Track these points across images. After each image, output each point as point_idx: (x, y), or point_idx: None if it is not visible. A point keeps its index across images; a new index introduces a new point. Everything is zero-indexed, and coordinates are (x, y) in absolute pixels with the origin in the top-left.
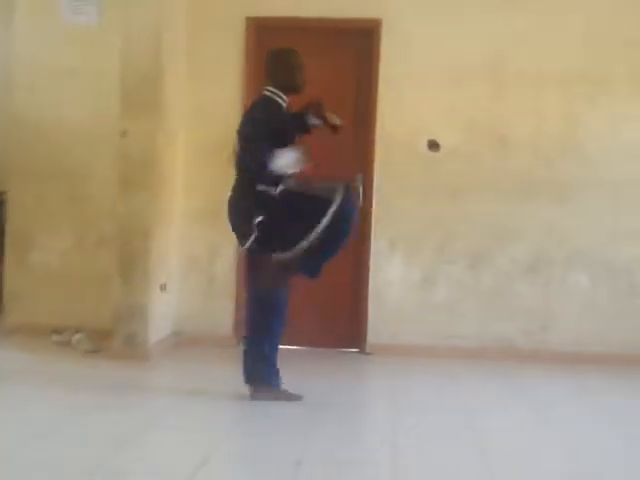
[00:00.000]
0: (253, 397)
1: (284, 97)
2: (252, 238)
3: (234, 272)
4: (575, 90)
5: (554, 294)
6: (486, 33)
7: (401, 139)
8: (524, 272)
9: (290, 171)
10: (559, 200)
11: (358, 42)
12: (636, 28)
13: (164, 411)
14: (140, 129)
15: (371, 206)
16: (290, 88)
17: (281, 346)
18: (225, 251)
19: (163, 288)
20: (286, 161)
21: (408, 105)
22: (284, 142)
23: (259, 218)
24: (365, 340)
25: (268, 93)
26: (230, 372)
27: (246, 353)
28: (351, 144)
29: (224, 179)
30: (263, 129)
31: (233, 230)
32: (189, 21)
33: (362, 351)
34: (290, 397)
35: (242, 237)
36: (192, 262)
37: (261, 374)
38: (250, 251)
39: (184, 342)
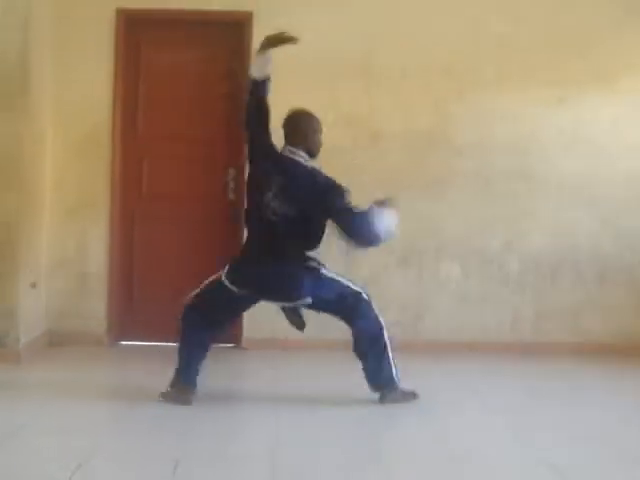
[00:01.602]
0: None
1: None
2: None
3: (107, 269)
4: (444, 86)
5: (427, 284)
6: (357, 28)
7: (274, 131)
8: (397, 263)
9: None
10: (430, 192)
11: (229, 35)
12: (504, 25)
13: (37, 414)
14: (5, 127)
15: (243, 202)
16: (314, 156)
17: (155, 343)
18: (97, 248)
19: (33, 286)
20: (390, 223)
21: (279, 99)
22: None
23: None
24: (241, 335)
25: (305, 161)
26: (105, 371)
27: None
28: (224, 138)
29: (95, 175)
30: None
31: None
32: (56, 14)
33: (238, 346)
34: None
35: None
36: (63, 260)
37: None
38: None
39: (57, 342)
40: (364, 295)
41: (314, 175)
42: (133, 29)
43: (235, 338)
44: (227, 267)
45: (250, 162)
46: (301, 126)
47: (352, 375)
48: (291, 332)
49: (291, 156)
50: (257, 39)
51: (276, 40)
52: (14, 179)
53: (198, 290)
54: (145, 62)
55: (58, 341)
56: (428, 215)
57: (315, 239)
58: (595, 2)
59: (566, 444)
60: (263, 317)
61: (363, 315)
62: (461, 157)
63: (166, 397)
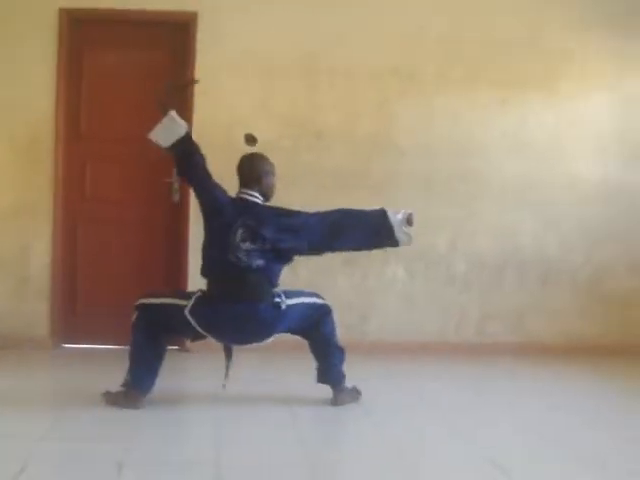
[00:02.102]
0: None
1: None
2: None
3: (49, 272)
4: (388, 86)
5: (372, 286)
6: (300, 28)
7: (217, 134)
8: (342, 265)
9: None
10: (374, 193)
11: (174, 35)
12: (448, 26)
13: None
14: None
15: (189, 203)
16: (268, 199)
17: (99, 346)
18: (39, 251)
19: None
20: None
21: (224, 100)
22: None
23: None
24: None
25: (262, 202)
26: (47, 375)
27: None
28: None
29: (37, 177)
30: None
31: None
32: None
33: (182, 349)
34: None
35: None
36: (4, 262)
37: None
38: None
39: None
40: (328, 305)
41: (275, 209)
42: (76, 29)
43: (179, 341)
44: (192, 303)
45: (207, 217)
46: (255, 169)
47: (296, 376)
48: None
49: (249, 198)
50: (201, 39)
51: (176, 88)
52: None
53: (155, 300)
54: (88, 62)
55: None
56: None
57: (280, 273)
58: (541, 4)
59: (510, 442)
60: None
61: (326, 323)
62: (405, 158)
63: (111, 399)
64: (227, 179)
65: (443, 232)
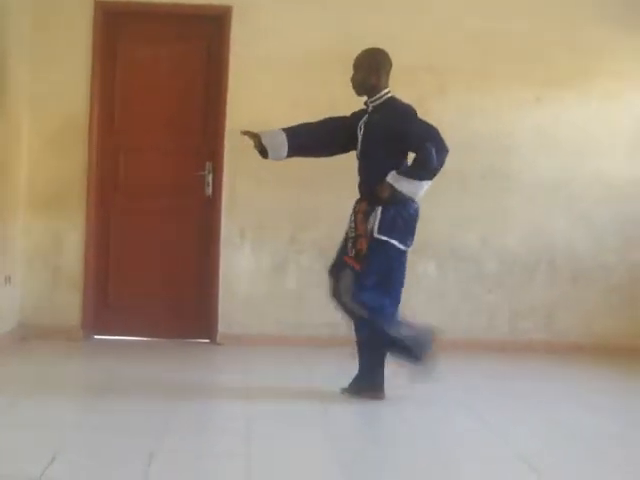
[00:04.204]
0: None
1: None
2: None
3: (81, 263)
4: (422, 83)
5: None
6: (336, 24)
7: (251, 128)
8: None
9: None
10: None
11: (208, 29)
12: (480, 23)
13: (8, 409)
14: None
15: (221, 196)
16: None
17: (130, 337)
18: (71, 241)
19: (7, 281)
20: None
21: (259, 95)
22: None
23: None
24: (216, 330)
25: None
26: (78, 366)
27: None
28: (200, 134)
29: (71, 168)
30: None
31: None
32: (34, 7)
33: (213, 341)
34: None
35: None
36: (37, 253)
37: None
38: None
39: (30, 335)
40: None
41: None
42: (111, 22)
43: (210, 334)
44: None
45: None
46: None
47: (325, 371)
48: (265, 328)
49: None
50: (236, 34)
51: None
52: None
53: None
54: (123, 55)
55: (32, 335)
56: None
57: None
58: (576, 2)
59: (540, 440)
60: (238, 313)
61: None
62: None
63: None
64: (260, 175)
65: (475, 229)
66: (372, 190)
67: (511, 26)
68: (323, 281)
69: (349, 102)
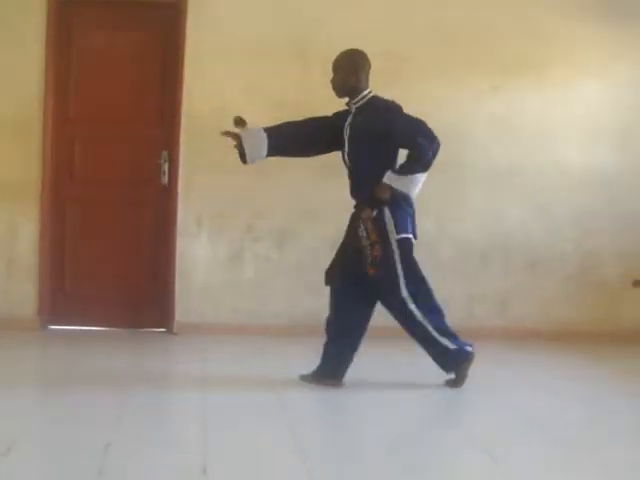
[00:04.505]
0: None
1: None
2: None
3: (36, 253)
4: (377, 70)
5: None
6: (291, 11)
7: (207, 116)
8: (331, 248)
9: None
10: None
11: (164, 16)
12: (437, 10)
13: None
14: None
15: (177, 185)
16: None
17: (86, 327)
18: (26, 231)
19: None
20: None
21: (214, 82)
22: None
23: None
24: (173, 320)
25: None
26: (32, 356)
27: None
28: (156, 122)
29: (25, 158)
30: None
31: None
32: None
33: (170, 331)
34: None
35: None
36: None
37: None
38: None
39: None
40: None
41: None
42: (66, 9)
43: (166, 323)
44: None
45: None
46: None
47: (282, 360)
48: (222, 317)
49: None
50: (191, 22)
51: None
52: None
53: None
54: (78, 43)
55: None
56: None
57: None
58: None
59: (495, 426)
60: (195, 302)
61: None
62: None
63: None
64: (217, 163)
65: (430, 216)
66: (371, 193)
67: (467, 14)
68: (280, 269)
69: (303, 87)
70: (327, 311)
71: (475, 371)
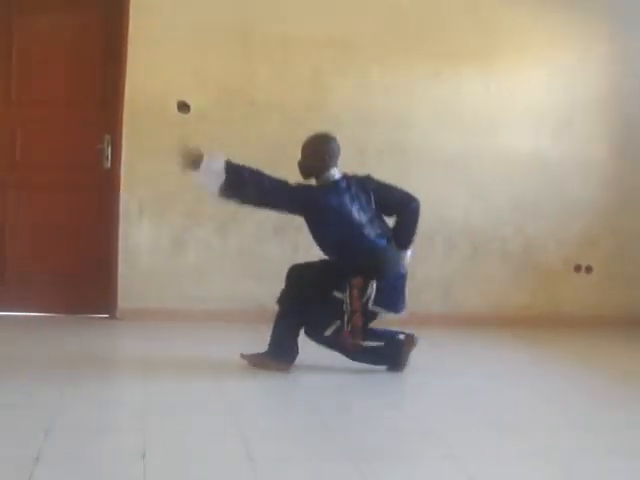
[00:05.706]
0: None
1: None
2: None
3: None
4: (324, 57)
5: (301, 255)
6: None
7: (151, 102)
8: (272, 234)
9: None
10: None
11: (107, 0)
12: None
13: None
14: None
15: (119, 169)
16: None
17: (28, 313)
18: None
19: None
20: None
21: (158, 66)
22: None
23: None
24: (116, 305)
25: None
26: None
27: None
28: (99, 106)
29: None
30: None
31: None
32: None
33: (112, 316)
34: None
35: None
36: None
37: None
38: None
39: None
40: None
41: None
42: None
43: (109, 309)
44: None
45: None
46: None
47: (225, 345)
48: (165, 302)
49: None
50: (135, 3)
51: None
52: None
53: None
54: (19, 26)
55: None
56: None
57: None
58: None
59: (440, 410)
60: (138, 288)
61: None
62: (340, 128)
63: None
64: (160, 147)
65: None
66: (368, 264)
67: (412, 0)
68: (222, 254)
69: (246, 72)
70: (269, 297)
71: (418, 357)
